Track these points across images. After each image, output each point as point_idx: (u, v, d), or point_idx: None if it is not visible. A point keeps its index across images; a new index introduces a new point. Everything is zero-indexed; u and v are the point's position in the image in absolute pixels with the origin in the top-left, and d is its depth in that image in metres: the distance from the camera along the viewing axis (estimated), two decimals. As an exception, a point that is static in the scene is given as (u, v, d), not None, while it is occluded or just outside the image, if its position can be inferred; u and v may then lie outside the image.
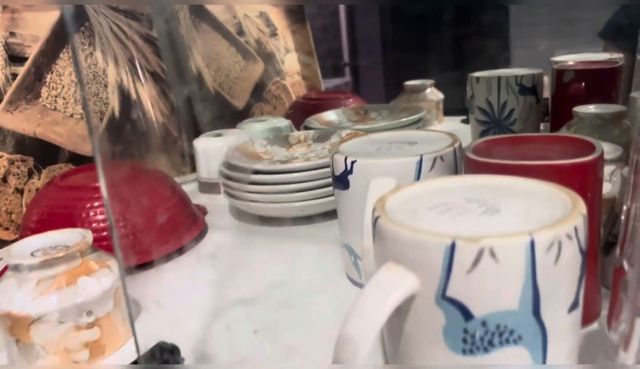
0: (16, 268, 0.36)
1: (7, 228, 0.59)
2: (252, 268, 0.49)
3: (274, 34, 1.04)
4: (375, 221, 0.27)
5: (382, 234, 0.26)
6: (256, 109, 0.95)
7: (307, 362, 0.34)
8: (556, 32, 1.67)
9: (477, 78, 0.75)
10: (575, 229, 0.24)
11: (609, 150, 0.44)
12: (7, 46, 0.62)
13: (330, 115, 0.78)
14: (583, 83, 0.69)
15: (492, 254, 0.22)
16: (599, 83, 0.69)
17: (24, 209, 0.60)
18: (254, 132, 0.73)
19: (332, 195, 0.54)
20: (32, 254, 0.37)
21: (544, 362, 0.25)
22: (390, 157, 0.39)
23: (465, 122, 0.96)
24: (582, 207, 0.25)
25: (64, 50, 0.66)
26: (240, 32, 0.95)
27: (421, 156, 0.38)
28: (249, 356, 0.35)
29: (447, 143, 0.40)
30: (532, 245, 0.23)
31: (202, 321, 0.39)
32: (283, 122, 0.77)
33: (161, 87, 0.77)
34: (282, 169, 0.54)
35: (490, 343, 0.24)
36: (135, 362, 0.34)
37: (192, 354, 0.35)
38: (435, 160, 0.38)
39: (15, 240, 0.58)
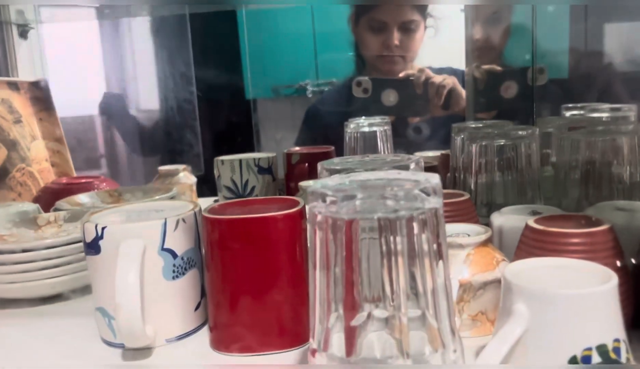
0: None
1: None
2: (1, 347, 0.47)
3: (18, 121, 1.01)
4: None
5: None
6: (-2, 196, 0.89)
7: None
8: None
9: (222, 161, 0.85)
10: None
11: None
12: None
13: (82, 198, 0.79)
14: (306, 164, 0.85)
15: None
16: (317, 163, 0.86)
17: None
18: (-3, 217, 0.69)
19: (85, 270, 0.57)
20: None
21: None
22: (138, 221, 0.45)
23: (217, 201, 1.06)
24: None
25: None
26: (-22, 118, 0.90)
27: (165, 219, 0.44)
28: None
29: (189, 208, 0.48)
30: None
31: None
32: (30, 206, 0.75)
33: None
34: (29, 247, 0.54)
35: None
36: None
37: None
38: (178, 221, 0.45)
39: None
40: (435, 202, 0.29)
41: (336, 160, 0.44)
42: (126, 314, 0.40)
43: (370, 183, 0.31)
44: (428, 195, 0.29)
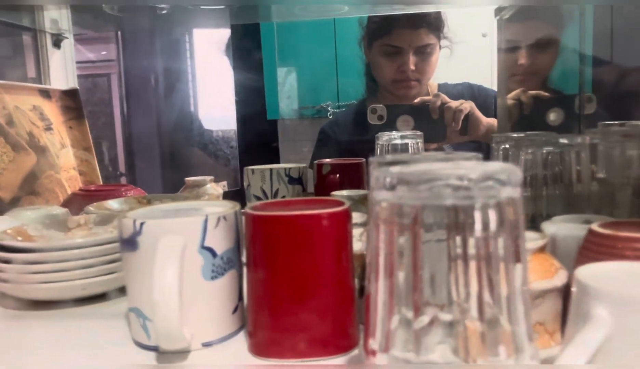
0: None
1: None
2: (31, 350, 0.46)
3: (48, 128, 1.01)
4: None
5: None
6: (25, 201, 0.88)
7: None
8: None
9: (253, 170, 0.84)
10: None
11: (357, 216, 0.54)
12: None
13: (112, 204, 0.78)
14: (337, 174, 0.83)
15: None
16: (348, 174, 0.84)
17: None
18: (26, 219, 0.68)
19: (116, 272, 0.55)
20: None
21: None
22: (179, 217, 0.43)
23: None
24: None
25: None
26: (10, 123, 0.90)
27: (207, 215, 0.42)
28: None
29: (230, 207, 0.46)
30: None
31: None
32: (60, 210, 0.74)
33: None
34: (61, 246, 0.53)
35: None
36: None
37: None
38: (219, 219, 0.43)
39: None
40: (512, 191, 0.27)
41: (387, 156, 0.42)
42: (164, 314, 0.38)
43: (438, 170, 0.28)
44: (504, 183, 0.27)
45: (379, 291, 0.29)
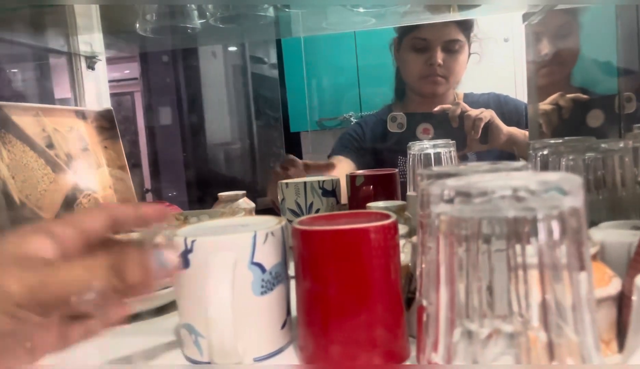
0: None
1: None
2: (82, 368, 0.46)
3: (85, 149, 1.04)
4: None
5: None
6: (66, 221, 0.91)
7: None
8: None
9: (287, 184, 0.85)
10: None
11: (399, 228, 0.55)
12: None
13: (150, 221, 0.79)
14: (371, 186, 0.83)
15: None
16: (381, 185, 0.84)
17: None
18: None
19: (161, 289, 0.56)
20: None
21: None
22: (228, 233, 0.44)
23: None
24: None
25: None
26: (50, 145, 0.93)
27: (255, 232, 0.43)
28: None
29: (276, 222, 0.46)
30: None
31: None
32: (101, 229, 0.75)
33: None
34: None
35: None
36: None
37: None
38: (267, 235, 0.43)
39: None
40: (574, 201, 0.27)
41: (434, 167, 0.42)
42: (219, 331, 0.39)
43: (496, 181, 0.28)
44: (565, 193, 0.27)
45: (441, 304, 0.29)
